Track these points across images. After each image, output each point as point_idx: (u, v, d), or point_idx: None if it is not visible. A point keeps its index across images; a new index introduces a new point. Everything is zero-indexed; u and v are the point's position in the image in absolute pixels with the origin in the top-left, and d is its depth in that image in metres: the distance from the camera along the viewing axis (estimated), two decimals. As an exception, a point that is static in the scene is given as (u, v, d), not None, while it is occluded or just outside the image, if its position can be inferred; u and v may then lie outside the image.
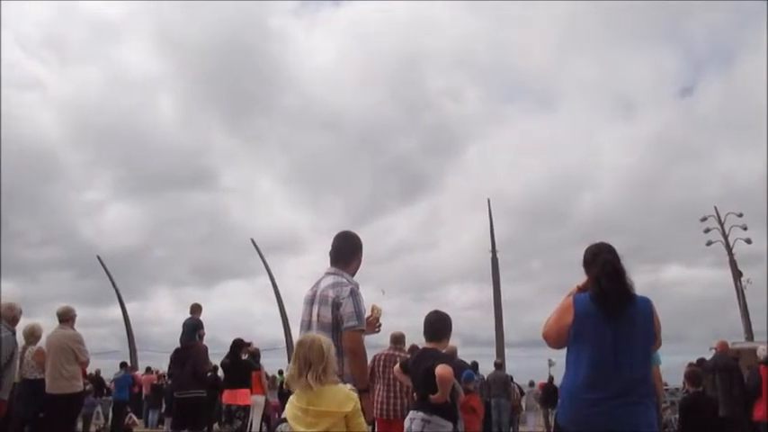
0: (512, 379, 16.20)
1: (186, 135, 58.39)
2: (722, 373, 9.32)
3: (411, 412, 4.94)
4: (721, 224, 27.88)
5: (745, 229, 27.26)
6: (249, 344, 11.64)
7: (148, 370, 21.66)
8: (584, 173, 56.32)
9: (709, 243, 28.08)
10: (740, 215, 27.34)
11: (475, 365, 14.02)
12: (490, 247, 31.67)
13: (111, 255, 41.74)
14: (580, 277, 3.56)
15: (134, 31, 61.67)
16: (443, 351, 5.18)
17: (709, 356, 10.85)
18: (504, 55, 61.92)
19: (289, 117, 57.39)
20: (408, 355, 6.76)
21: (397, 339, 7.41)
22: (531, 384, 21.38)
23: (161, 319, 46.68)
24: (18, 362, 7.71)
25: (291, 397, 3.06)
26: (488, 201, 32.40)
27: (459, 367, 7.65)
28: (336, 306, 4.05)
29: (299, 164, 58.08)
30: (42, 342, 8.49)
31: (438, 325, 5.17)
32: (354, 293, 4.12)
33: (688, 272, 56.71)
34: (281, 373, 18.11)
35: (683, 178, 50.52)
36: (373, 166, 59.75)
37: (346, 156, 60.73)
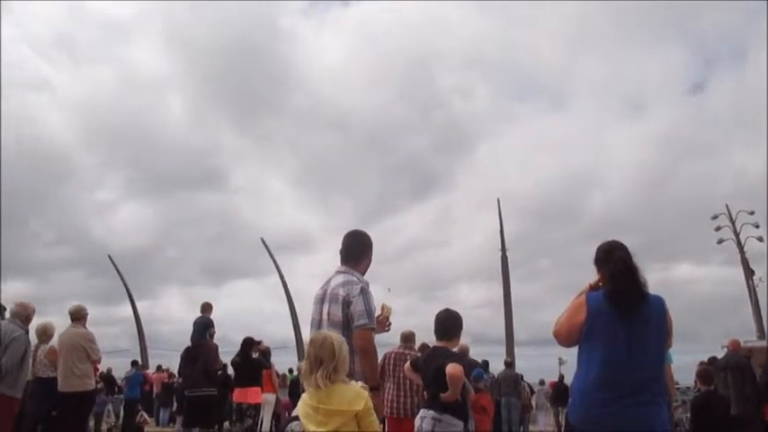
0: (522, 377, 16.14)
1: (196, 135, 58.66)
2: (734, 372, 9.27)
3: (422, 411, 4.94)
4: (732, 222, 27.69)
5: (757, 226, 27.05)
6: (260, 342, 11.66)
7: (159, 368, 21.76)
8: (594, 171, 56.19)
9: (720, 241, 27.90)
10: (752, 213, 27.11)
11: (485, 364, 14.01)
12: (500, 246, 31.61)
13: (122, 254, 42.05)
14: (590, 276, 3.54)
15: (144, 31, 62.04)
16: (455, 350, 5.18)
17: (720, 355, 10.78)
18: (515, 54, 61.81)
19: (298, 117, 57.52)
20: (419, 354, 6.76)
21: (408, 338, 7.41)
22: (542, 383, 21.29)
23: (171, 318, 46.91)
24: (31, 360, 7.76)
25: (304, 395, 3.06)
26: (498, 200, 32.32)
27: (469, 366, 7.64)
28: (347, 304, 4.06)
29: (308, 163, 58.22)
30: (54, 341, 8.56)
31: (449, 323, 5.16)
32: (365, 292, 4.12)
33: (699, 270, 56.31)
34: (291, 371, 18.16)
35: (694, 176, 50.32)
36: (383, 165, 59.78)
37: (356, 155, 60.81)
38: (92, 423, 13.36)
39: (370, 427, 2.98)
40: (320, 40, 64.87)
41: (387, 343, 6.97)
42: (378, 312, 4.33)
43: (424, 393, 5.40)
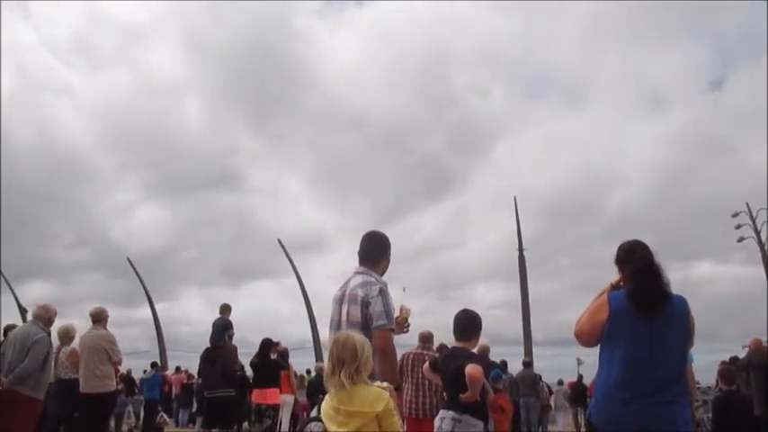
0: (540, 378, 16.07)
1: (212, 136, 59.07)
2: (756, 371, 9.16)
3: (441, 411, 4.93)
4: (753, 220, 27.34)
5: (778, 224, 26.71)
6: (278, 343, 11.72)
7: (178, 369, 21.90)
8: (612, 169, 55.74)
9: (740, 239, 27.53)
10: (772, 210, 26.77)
11: (504, 364, 13.95)
12: (517, 245, 31.44)
13: (141, 256, 42.42)
14: (609, 275, 3.52)
15: (160, 34, 62.67)
16: (475, 350, 5.17)
17: (742, 354, 10.66)
18: (531, 51, 61.54)
19: (314, 117, 57.71)
20: (437, 355, 6.76)
21: (426, 338, 7.41)
22: (560, 383, 21.17)
23: (190, 319, 47.26)
24: (53, 362, 7.85)
25: (327, 395, 3.07)
26: (515, 199, 32.14)
27: (488, 366, 7.63)
28: (366, 305, 4.06)
29: (324, 164, 58.34)
30: (76, 342, 8.64)
31: (467, 323, 5.15)
32: (383, 292, 4.12)
33: (719, 269, 55.86)
34: (308, 372, 18.20)
35: (714, 173, 49.76)
36: (399, 165, 59.78)
37: (372, 155, 60.86)
38: (112, 424, 13.49)
39: (391, 428, 2.97)
40: (335, 41, 65.24)
41: (405, 344, 6.97)
42: (396, 314, 4.33)
43: (444, 394, 5.39)
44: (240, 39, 57.42)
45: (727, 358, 12.43)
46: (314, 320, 34.29)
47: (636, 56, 60.72)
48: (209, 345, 10.73)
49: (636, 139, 58.86)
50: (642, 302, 3.22)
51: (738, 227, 27.44)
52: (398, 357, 5.85)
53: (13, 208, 45.94)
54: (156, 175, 56.33)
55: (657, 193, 52.62)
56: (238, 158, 61.25)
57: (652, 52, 61.30)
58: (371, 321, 4.02)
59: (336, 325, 4.21)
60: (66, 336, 8.80)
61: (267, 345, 11.20)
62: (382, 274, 4.39)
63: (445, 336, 7.77)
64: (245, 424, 13.78)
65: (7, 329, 9.11)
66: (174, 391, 19.73)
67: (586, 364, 21.71)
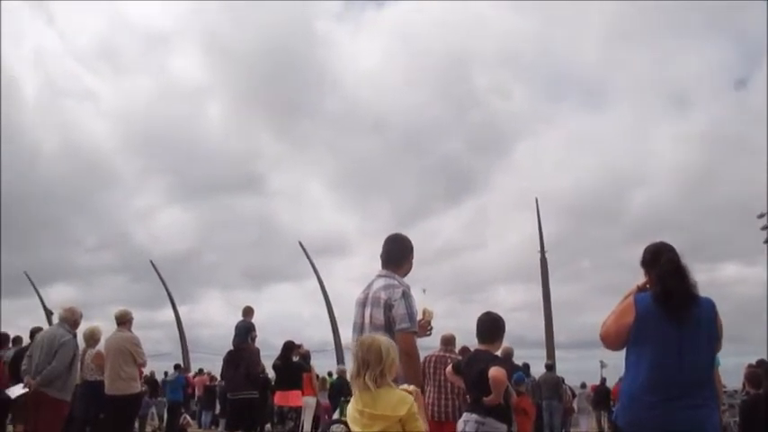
0: (563, 381, 15.95)
1: (234, 140, 59.28)
2: (784, 375, 9.01)
3: (465, 414, 4.93)
4: (779, 220, 26.92)
5: (805, 225, 26.26)
6: (300, 346, 11.76)
7: (200, 371, 22.07)
8: (635, 169, 54.74)
9: (767, 241, 27.16)
10: (799, 211, 26.33)
11: (526, 367, 13.88)
12: (538, 247, 31.23)
13: (164, 259, 42.74)
14: (632, 276, 3.49)
15: (183, 40, 63.16)
16: (498, 352, 5.15)
17: (769, 357, 10.52)
18: (552, 51, 60.90)
19: (334, 120, 57.65)
20: (459, 357, 6.74)
21: (448, 341, 7.39)
22: (583, 386, 21.00)
23: (212, 322, 47.40)
24: (79, 364, 7.95)
25: (352, 397, 3.08)
26: (536, 200, 31.91)
27: (511, 369, 7.59)
28: (389, 308, 4.07)
29: (345, 167, 58.28)
30: (101, 345, 8.75)
31: (491, 326, 5.14)
32: (406, 295, 4.13)
33: (746, 270, 54.77)
34: (330, 374, 18.24)
35: (738, 173, 48.92)
36: (420, 166, 59.49)
37: (392, 157, 60.63)
38: (136, 425, 13.63)
39: (415, 431, 2.97)
40: (355, 43, 65.11)
41: (427, 346, 6.96)
42: (419, 316, 4.33)
43: (467, 397, 5.38)
44: (261, 43, 57.71)
45: (753, 361, 12.24)
46: (335, 323, 34.34)
47: (658, 55, 59.89)
48: (231, 347, 10.80)
49: (659, 140, 58.02)
50: (669, 305, 3.19)
51: (764, 228, 27.03)
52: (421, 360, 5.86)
53: (38, 212, 46.85)
54: (178, 179, 56.72)
55: (681, 193, 51.84)
56: (260, 162, 61.51)
57: (674, 51, 60.47)
58: (394, 324, 4.03)
59: (359, 328, 4.22)
60: (92, 338, 8.91)
61: (289, 347, 11.25)
62: (405, 276, 4.40)
63: (467, 338, 7.76)
64: (268, 426, 13.85)
65: (34, 332, 9.26)
66: (197, 393, 19.89)
67: (609, 366, 21.56)
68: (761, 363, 11.33)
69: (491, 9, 62.94)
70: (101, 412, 8.52)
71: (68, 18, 66.29)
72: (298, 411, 10.92)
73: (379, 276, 4.33)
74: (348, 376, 3.13)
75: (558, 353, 29.90)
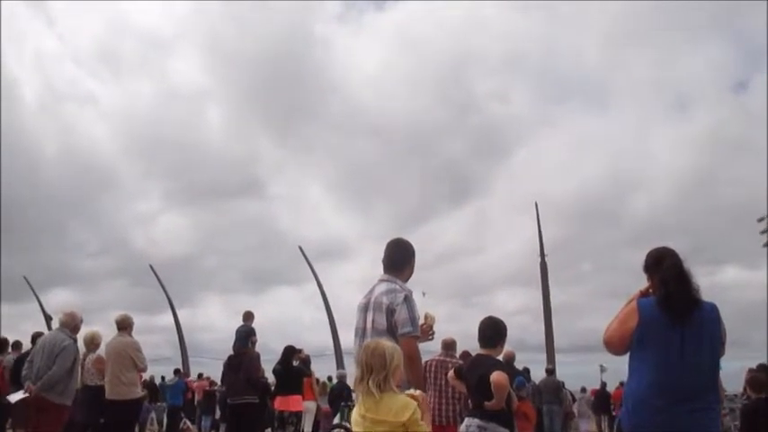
0: (563, 385, 15.93)
1: (234, 144, 59.41)
2: (785, 379, 9.00)
3: (466, 419, 4.92)
4: (779, 224, 26.91)
5: (806, 228, 26.25)
6: (300, 350, 11.75)
7: (200, 376, 22.04)
8: (636, 173, 54.84)
9: (767, 244, 27.15)
10: (799, 215, 26.33)
11: (527, 371, 13.86)
12: (539, 251, 31.23)
13: (164, 263, 42.73)
14: (632, 280, 3.49)
15: (183, 43, 63.24)
16: (500, 356, 5.15)
17: (770, 361, 10.51)
18: (554, 54, 60.94)
19: (335, 124, 57.77)
20: (460, 362, 6.74)
21: (449, 345, 7.39)
22: (583, 390, 20.99)
23: (212, 326, 47.36)
24: (79, 369, 7.94)
25: (357, 401, 3.09)
26: (536, 204, 31.92)
27: (512, 373, 7.58)
28: (391, 312, 4.07)
29: (346, 170, 58.31)
30: (102, 349, 8.74)
31: (492, 331, 5.13)
32: (408, 300, 4.14)
33: (746, 274, 54.63)
34: (330, 379, 18.22)
35: (739, 176, 48.89)
36: (420, 170, 59.53)
37: (393, 161, 60.66)
38: (136, 430, 13.61)
39: (418, 437, 2.96)
40: (356, 46, 65.19)
41: (428, 350, 6.95)
42: (421, 321, 4.33)
43: (468, 401, 5.37)
44: (262, 47, 57.85)
45: (754, 365, 12.23)
46: (335, 327, 34.34)
47: (660, 57, 59.98)
48: (231, 352, 10.79)
49: (660, 142, 58.11)
50: (673, 309, 3.19)
51: (765, 231, 27.04)
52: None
53: (38, 216, 46.90)
54: (178, 184, 56.85)
55: (682, 196, 51.88)
56: (260, 166, 61.55)
57: (676, 54, 60.63)
58: (397, 329, 4.03)
59: (362, 332, 4.22)
60: (93, 343, 8.90)
61: (290, 352, 11.24)
62: (406, 281, 4.40)
63: (468, 342, 7.76)
64: (268, 431, 13.82)
65: (35, 337, 9.26)
66: (197, 397, 19.85)
67: (609, 371, 21.57)
68: (761, 367, 11.31)
69: (492, 12, 62.96)
70: (101, 417, 8.51)
71: (68, 21, 66.45)
72: (298, 416, 10.91)
73: (381, 281, 4.33)
74: (351, 381, 3.14)
75: (558, 357, 29.92)
